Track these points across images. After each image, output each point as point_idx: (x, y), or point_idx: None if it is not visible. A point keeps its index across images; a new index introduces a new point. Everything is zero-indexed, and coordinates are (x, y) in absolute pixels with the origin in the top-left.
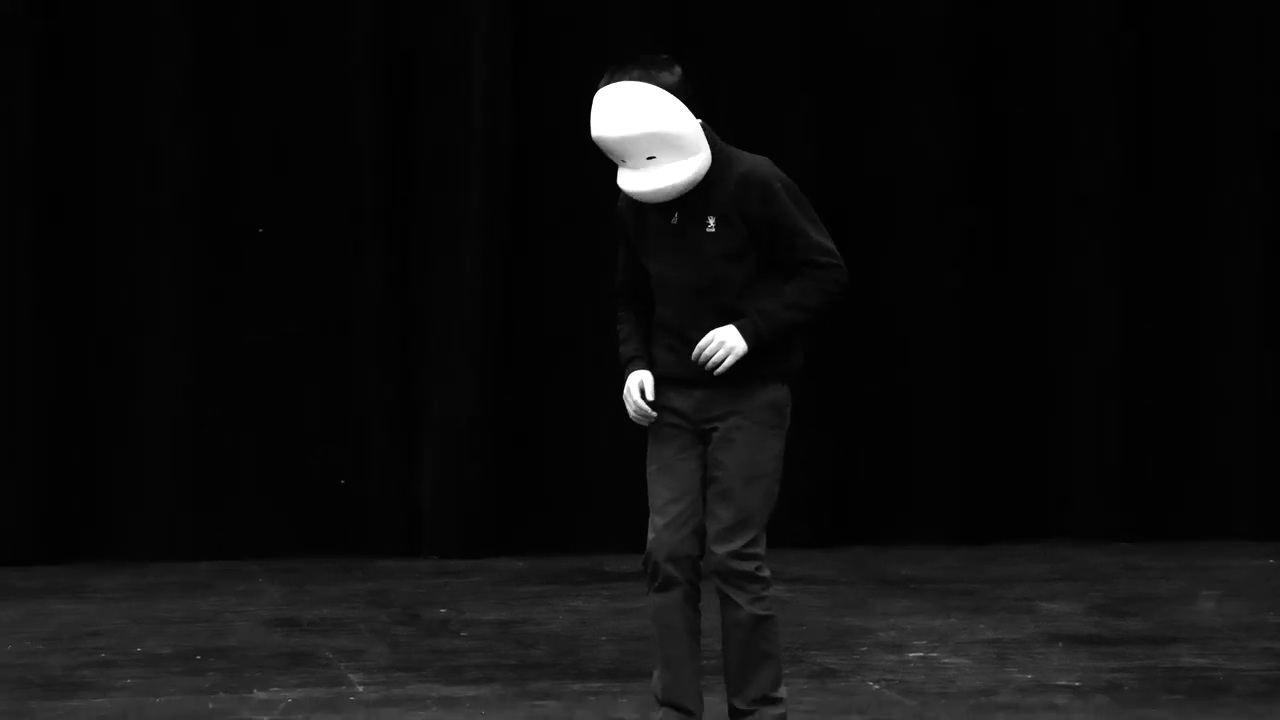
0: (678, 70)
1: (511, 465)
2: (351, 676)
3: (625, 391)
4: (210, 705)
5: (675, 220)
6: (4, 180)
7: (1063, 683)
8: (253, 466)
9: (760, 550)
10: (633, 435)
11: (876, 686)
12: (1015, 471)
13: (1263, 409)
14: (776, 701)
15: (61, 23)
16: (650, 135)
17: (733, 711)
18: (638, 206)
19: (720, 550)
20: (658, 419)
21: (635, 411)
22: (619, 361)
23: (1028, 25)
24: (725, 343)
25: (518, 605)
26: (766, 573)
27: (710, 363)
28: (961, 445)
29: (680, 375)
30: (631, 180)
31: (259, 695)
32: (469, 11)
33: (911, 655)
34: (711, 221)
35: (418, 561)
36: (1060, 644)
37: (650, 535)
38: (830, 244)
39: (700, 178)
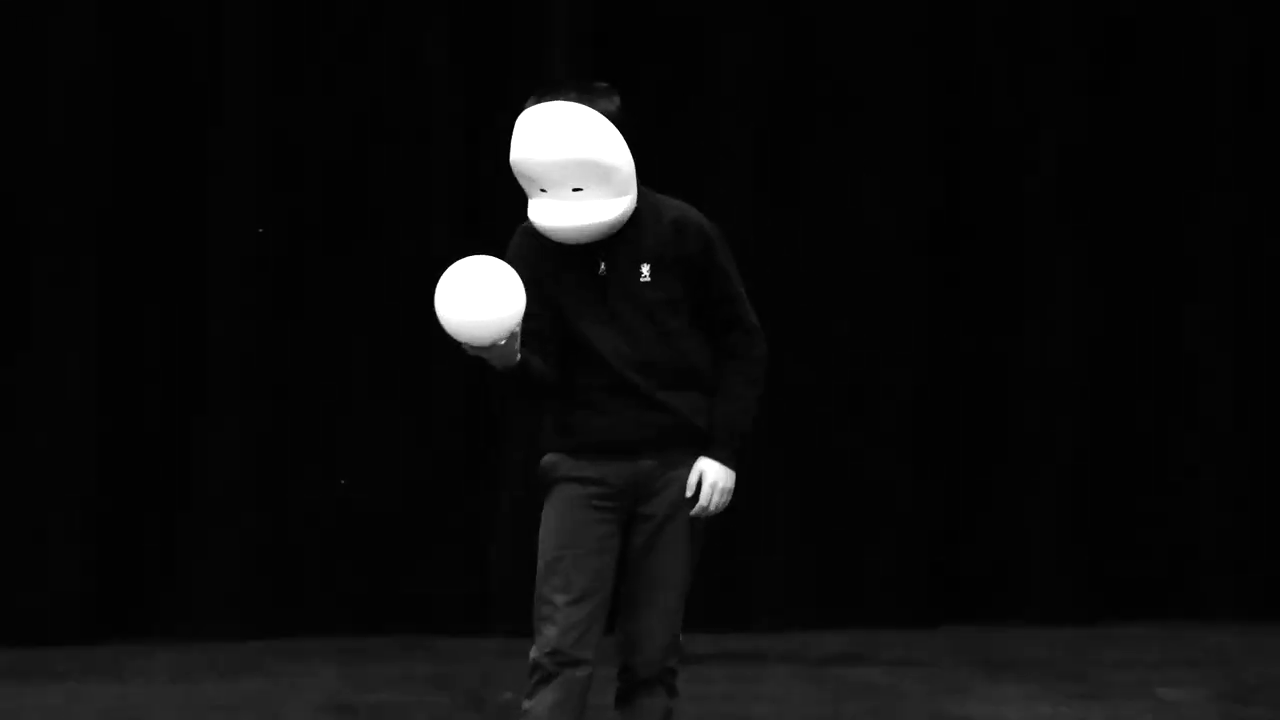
0: (617, 99)
1: None
2: None
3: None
4: None
5: (602, 270)
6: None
7: None
8: (305, 540)
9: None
10: None
11: None
12: (1128, 546)
13: None
14: None
15: None
16: (583, 162)
17: None
18: (554, 254)
19: (659, 665)
20: (576, 493)
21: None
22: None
23: None
24: (718, 484)
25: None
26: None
27: (712, 510)
28: (1073, 520)
29: (616, 441)
30: (549, 213)
31: None
32: None
33: None
34: (645, 270)
35: (484, 640)
36: None
37: (549, 630)
38: (751, 307)
39: (623, 223)
